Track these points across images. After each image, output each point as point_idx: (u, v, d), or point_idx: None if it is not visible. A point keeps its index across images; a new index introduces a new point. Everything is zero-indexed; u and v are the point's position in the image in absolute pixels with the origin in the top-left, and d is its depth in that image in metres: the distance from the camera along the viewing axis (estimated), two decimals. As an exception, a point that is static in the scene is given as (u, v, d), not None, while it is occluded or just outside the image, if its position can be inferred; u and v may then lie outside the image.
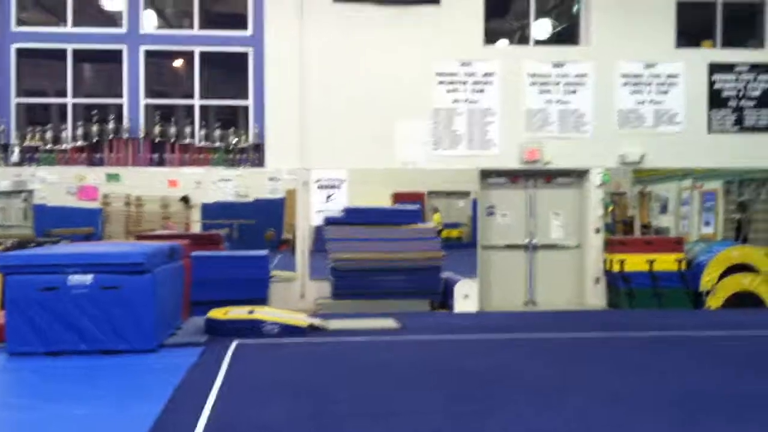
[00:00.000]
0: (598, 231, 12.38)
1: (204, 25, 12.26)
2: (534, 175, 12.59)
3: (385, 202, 12.31)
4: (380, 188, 12.24)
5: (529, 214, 12.59)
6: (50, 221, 11.59)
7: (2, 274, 8.10)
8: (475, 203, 12.46)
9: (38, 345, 7.64)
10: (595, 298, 12.31)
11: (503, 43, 13.26)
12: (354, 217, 11.44)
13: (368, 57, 12.07)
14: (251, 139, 12.04)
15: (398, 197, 12.37)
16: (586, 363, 7.50)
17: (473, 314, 10.96)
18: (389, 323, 9.54)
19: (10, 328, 7.68)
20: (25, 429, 5.37)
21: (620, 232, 12.68)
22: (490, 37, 12.69)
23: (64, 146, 11.65)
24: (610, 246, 12.16)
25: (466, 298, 10.96)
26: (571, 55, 12.59)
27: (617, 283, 11.86)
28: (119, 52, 11.96)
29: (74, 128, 11.79)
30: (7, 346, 7.70)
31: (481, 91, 12.34)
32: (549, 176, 12.62)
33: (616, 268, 11.86)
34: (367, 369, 7.16)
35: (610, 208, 12.61)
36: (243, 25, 12.21)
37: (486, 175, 12.37)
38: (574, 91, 12.47)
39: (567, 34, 13.13)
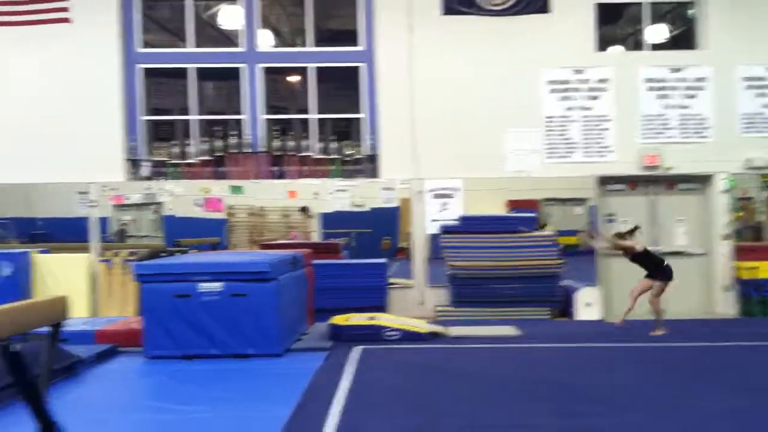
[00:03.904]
0: (725, 238, 11.93)
1: (318, 41, 12.56)
2: (655, 182, 12.26)
3: (499, 210, 12.26)
4: (494, 196, 12.20)
5: (651, 221, 12.25)
6: (179, 231, 12.12)
7: (139, 282, 8.50)
8: (593, 210, 12.23)
9: (173, 349, 7.98)
10: (726, 306, 11.85)
11: (617, 49, 13.02)
12: (470, 225, 11.45)
13: (478, 67, 12.07)
14: (366, 150, 12.23)
15: (513, 204, 12.30)
16: (710, 375, 7.21)
17: (596, 322, 10.74)
18: (510, 330, 9.47)
19: (147, 333, 8.06)
20: (159, 430, 5.59)
21: (749, 238, 12.17)
22: (603, 44, 12.48)
23: (190, 160, 12.16)
24: (740, 253, 11.70)
25: (588, 306, 10.76)
26: (689, 59, 12.24)
27: (749, 291, 11.40)
28: (238, 70, 12.40)
29: (199, 143, 12.28)
30: (144, 350, 8.08)
31: (595, 98, 12.15)
32: (671, 182, 12.27)
33: (747, 275, 11.40)
34: (485, 378, 7.11)
35: (738, 214, 12.12)
36: (355, 40, 12.45)
37: (604, 182, 12.13)
38: (693, 96, 12.11)
39: (684, 38, 12.78)
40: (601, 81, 12.15)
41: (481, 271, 11.06)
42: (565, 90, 12.15)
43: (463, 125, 11.95)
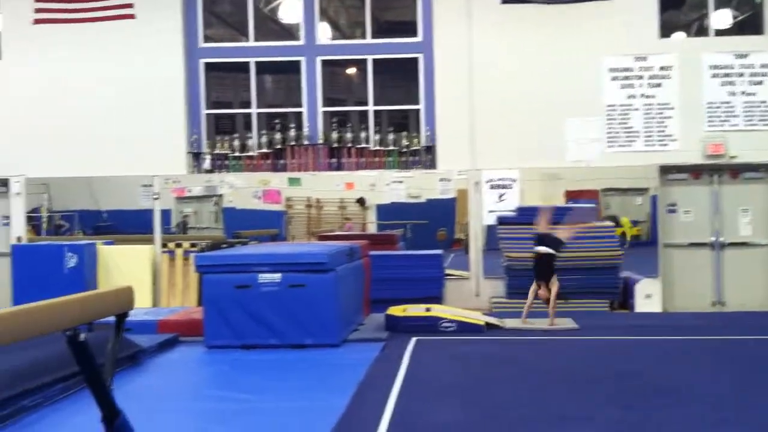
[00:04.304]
0: (792, 227, 11.60)
1: (375, 33, 12.60)
2: (718, 171, 11.97)
3: (557, 200, 12.13)
4: (552, 186, 12.08)
5: (714, 210, 11.97)
6: (238, 223, 12.32)
7: (200, 273, 8.68)
8: (654, 200, 12.01)
9: (233, 339, 8.14)
10: (794, 298, 11.54)
11: (680, 35, 12.73)
12: (527, 216, 11.31)
13: (538, 55, 11.95)
14: (423, 141, 12.24)
15: (571, 195, 12.16)
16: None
17: (656, 315, 10.58)
18: (567, 323, 9.38)
19: (208, 323, 8.23)
20: (220, 419, 5.72)
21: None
22: (666, 30, 12.22)
23: (250, 153, 12.35)
24: (807, 243, 11.36)
25: (648, 297, 10.59)
26: (755, 45, 11.89)
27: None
28: (297, 63, 12.53)
29: (259, 136, 12.47)
30: (205, 340, 8.26)
31: (658, 85, 11.91)
32: (735, 171, 11.96)
33: (814, 267, 11.05)
34: (542, 370, 7.08)
35: (805, 204, 11.77)
36: (413, 31, 12.45)
37: (666, 171, 11.90)
38: (760, 83, 11.78)
39: (749, 24, 12.42)
40: (664, 68, 11.91)
41: (538, 262, 10.95)
42: (627, 78, 11.95)
43: (522, 115, 11.86)
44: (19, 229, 12.16)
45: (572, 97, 11.85)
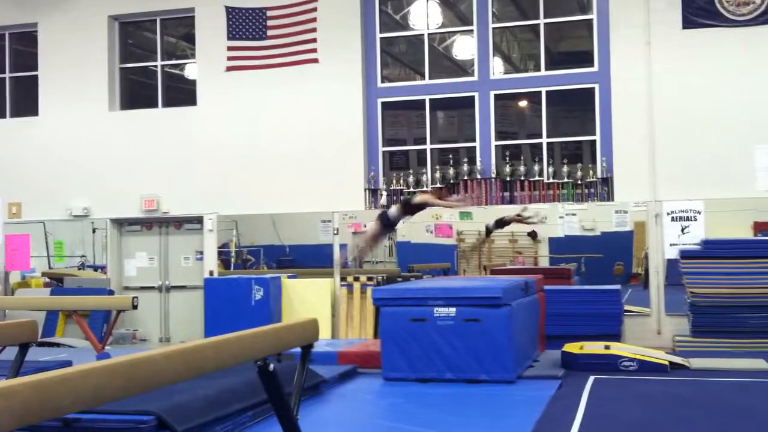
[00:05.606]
0: None
1: (549, 65, 12.52)
2: None
3: (745, 233, 11.46)
4: (740, 218, 11.43)
5: None
6: (411, 257, 12.56)
7: (377, 306, 8.92)
8: None
9: (409, 372, 8.26)
10: None
11: None
12: (713, 249, 10.77)
13: (722, 80, 11.42)
14: (599, 173, 11.97)
15: (761, 227, 11.44)
16: None
17: None
18: (760, 364, 8.80)
19: (385, 355, 8.41)
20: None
21: None
22: None
23: (424, 189, 12.58)
24: None
25: None
26: None
27: None
28: (470, 98, 12.66)
29: (432, 171, 12.69)
30: (383, 372, 8.44)
31: None
32: None
33: None
34: (729, 412, 6.68)
35: None
36: (588, 61, 12.26)
37: None
38: None
39: None
40: None
41: (726, 299, 10.36)
42: (823, 100, 11.17)
43: (706, 143, 11.35)
44: (211, 264, 13.02)
45: (761, 123, 11.21)
